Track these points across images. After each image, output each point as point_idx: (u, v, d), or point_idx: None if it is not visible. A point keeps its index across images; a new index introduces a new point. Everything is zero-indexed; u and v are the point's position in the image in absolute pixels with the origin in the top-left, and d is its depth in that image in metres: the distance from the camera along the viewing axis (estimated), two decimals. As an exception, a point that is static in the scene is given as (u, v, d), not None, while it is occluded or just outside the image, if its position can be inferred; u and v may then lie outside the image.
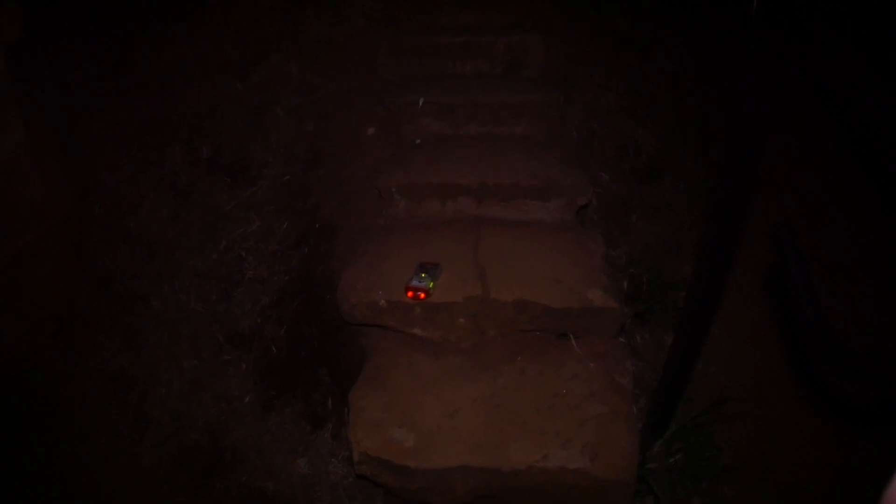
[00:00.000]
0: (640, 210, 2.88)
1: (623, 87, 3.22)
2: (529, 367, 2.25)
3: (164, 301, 2.79)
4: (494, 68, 3.31)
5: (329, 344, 2.61)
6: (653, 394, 2.21)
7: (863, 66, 3.06)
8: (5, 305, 2.65)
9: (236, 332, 2.68)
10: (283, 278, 2.74)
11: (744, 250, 2.71)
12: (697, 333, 2.24)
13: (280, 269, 2.76)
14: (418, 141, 3.01)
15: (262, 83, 3.25)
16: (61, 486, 2.43)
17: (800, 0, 2.89)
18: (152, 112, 3.22)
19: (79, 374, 2.68)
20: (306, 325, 2.65)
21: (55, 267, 2.87)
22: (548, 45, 3.30)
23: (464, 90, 3.11)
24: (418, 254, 2.44)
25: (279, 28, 3.41)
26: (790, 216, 2.81)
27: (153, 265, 2.88)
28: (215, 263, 2.81)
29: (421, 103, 2.99)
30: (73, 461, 2.48)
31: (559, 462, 1.94)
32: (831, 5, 3.03)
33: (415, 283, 2.27)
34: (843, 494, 2.16)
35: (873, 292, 2.66)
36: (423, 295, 2.25)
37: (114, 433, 2.57)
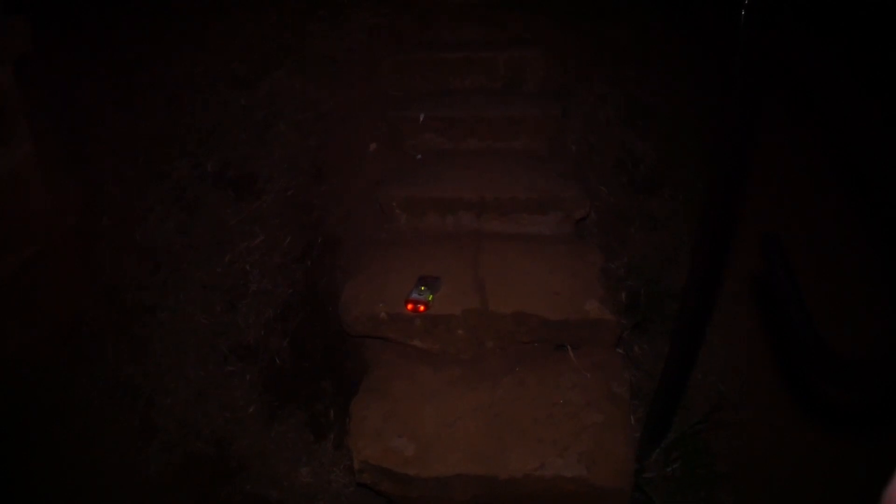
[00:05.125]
0: (638, 222, 2.91)
1: (622, 99, 3.25)
2: (528, 377, 2.28)
3: (171, 312, 2.82)
4: (495, 83, 3.35)
5: (332, 355, 2.65)
6: (650, 403, 2.24)
7: (847, 76, 3.11)
8: (13, 314, 2.67)
9: (241, 343, 2.72)
10: (287, 291, 2.78)
11: (739, 258, 2.74)
12: (692, 342, 2.27)
13: (284, 282, 2.80)
14: (420, 156, 3.06)
15: (266, 98, 3.28)
16: (67, 493, 2.46)
17: (789, 9, 2.94)
18: (159, 125, 3.26)
19: (85, 383, 2.71)
20: (310, 337, 2.69)
21: (62, 277, 2.90)
22: (547, 60, 3.34)
23: (464, 105, 3.16)
24: (419, 267, 2.48)
25: (283, 43, 3.45)
26: (783, 222, 2.84)
27: (159, 276, 2.91)
28: (220, 276, 2.85)
29: (422, 119, 3.04)
30: (79, 468, 2.51)
31: (556, 470, 1.98)
32: (823, 16, 3.07)
33: (414, 296, 2.32)
34: (841, 499, 2.18)
35: (864, 296, 2.68)
36: (422, 308, 2.29)
37: (120, 441, 2.60)
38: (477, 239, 2.65)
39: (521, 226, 2.71)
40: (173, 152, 3.18)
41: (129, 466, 2.54)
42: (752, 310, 2.73)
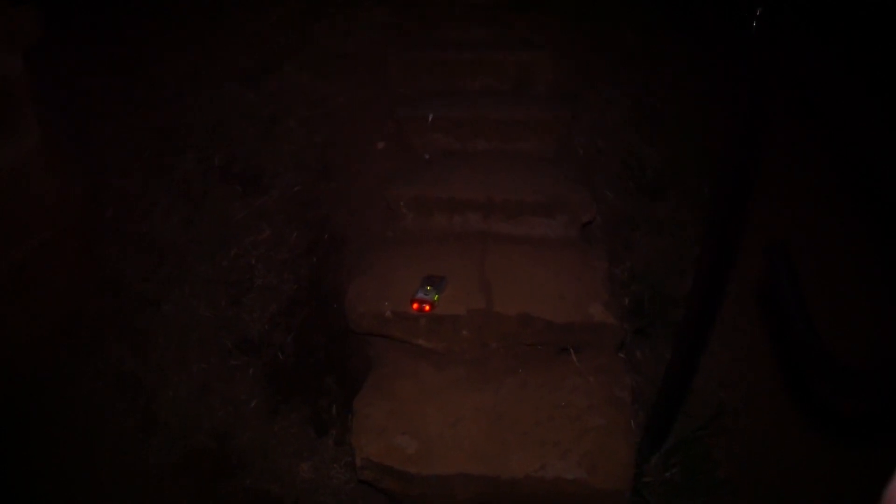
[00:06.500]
0: (643, 226, 2.92)
1: (629, 102, 3.26)
2: (531, 379, 2.30)
3: (174, 306, 2.82)
4: (503, 84, 3.35)
5: (336, 352, 2.66)
6: (651, 408, 2.25)
7: (848, 76, 3.11)
8: (15, 306, 2.66)
9: (245, 338, 2.72)
10: (292, 287, 2.78)
11: (743, 264, 2.74)
12: (695, 348, 2.28)
13: (289, 278, 2.80)
14: (427, 156, 3.06)
15: (273, 93, 3.29)
16: (68, 487, 2.47)
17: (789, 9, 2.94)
18: (165, 118, 3.26)
19: (88, 376, 2.71)
20: (314, 334, 2.69)
21: (66, 269, 2.89)
22: (556, 62, 3.33)
23: (473, 106, 3.16)
24: (425, 266, 2.49)
25: (291, 39, 3.46)
26: (784, 225, 2.85)
27: (164, 270, 2.91)
28: (225, 270, 2.85)
29: (431, 119, 3.04)
30: (80, 462, 2.52)
31: (557, 472, 1.99)
32: (823, 16, 3.07)
33: (420, 295, 2.33)
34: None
35: (866, 302, 2.69)
36: (427, 307, 2.30)
37: (121, 435, 2.60)
38: (483, 240, 2.66)
39: (528, 228, 2.71)
40: (179, 146, 3.18)
41: (130, 460, 2.54)
42: (753, 315, 2.73)
